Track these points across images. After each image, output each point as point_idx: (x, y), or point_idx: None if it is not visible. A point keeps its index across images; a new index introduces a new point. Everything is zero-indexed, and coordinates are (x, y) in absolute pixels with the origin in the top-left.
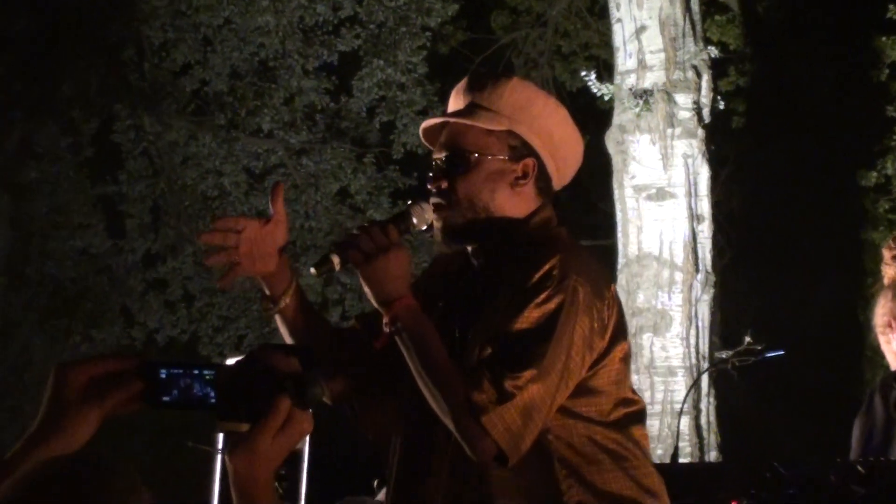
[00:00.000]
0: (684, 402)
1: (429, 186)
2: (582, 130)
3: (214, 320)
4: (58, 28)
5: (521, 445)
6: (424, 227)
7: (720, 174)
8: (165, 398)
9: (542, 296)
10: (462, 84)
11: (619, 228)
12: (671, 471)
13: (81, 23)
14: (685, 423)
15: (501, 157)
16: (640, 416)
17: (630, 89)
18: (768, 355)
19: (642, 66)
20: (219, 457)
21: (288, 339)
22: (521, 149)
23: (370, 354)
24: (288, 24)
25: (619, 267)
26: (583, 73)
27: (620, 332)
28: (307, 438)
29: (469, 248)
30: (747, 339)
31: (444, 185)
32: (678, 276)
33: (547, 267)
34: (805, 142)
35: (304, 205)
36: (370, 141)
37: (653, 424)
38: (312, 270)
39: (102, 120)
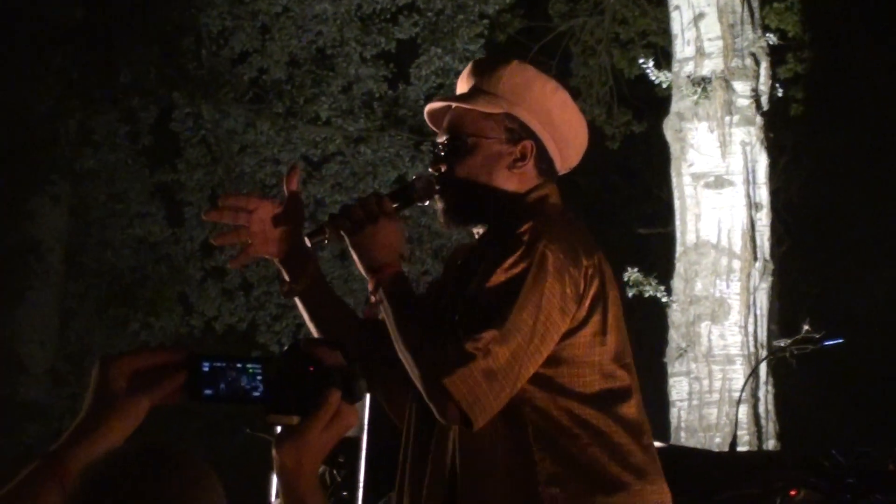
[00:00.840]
0: (742, 390)
1: (430, 170)
2: (640, 118)
3: (273, 308)
4: (115, 17)
5: (485, 408)
6: (427, 202)
7: (779, 162)
8: (207, 391)
9: (510, 260)
10: (467, 69)
11: (678, 216)
12: (730, 459)
13: (139, 12)
14: (743, 411)
15: (499, 139)
16: (625, 393)
17: (688, 77)
18: (827, 343)
19: (700, 53)
20: None
21: (308, 323)
22: (519, 131)
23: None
24: (346, 11)
25: (677, 255)
26: (641, 61)
27: (601, 301)
28: (366, 426)
29: (476, 231)
30: (805, 327)
31: (444, 168)
32: (736, 265)
33: (518, 232)
34: (864, 129)
35: (361, 193)
36: (428, 129)
37: (711, 413)
38: (306, 240)
39: (161, 108)
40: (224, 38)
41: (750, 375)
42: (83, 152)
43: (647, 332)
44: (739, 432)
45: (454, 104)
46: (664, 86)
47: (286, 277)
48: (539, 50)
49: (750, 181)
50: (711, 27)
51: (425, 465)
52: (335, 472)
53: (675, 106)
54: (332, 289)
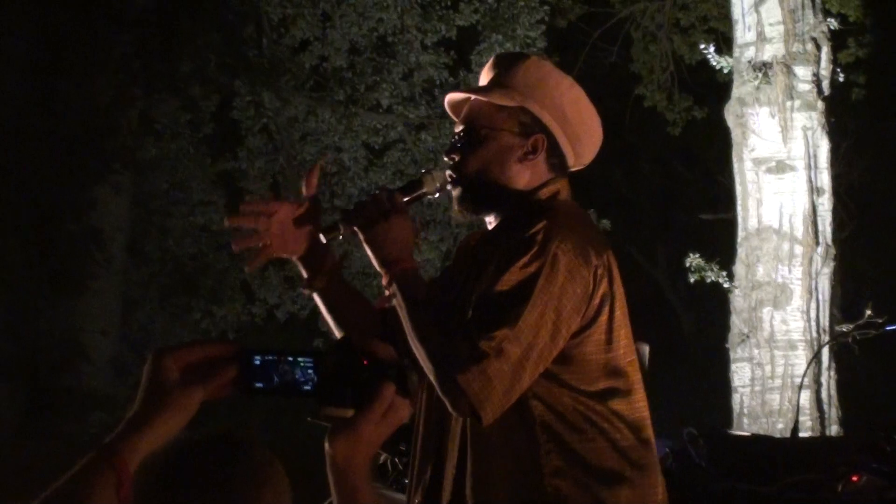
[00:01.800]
0: (804, 375)
1: (445, 159)
2: (701, 104)
3: None
4: (176, 6)
5: (495, 405)
6: (437, 194)
7: (840, 146)
8: (258, 385)
9: (523, 259)
10: (490, 62)
11: (739, 202)
12: (792, 445)
13: (200, 0)
14: (806, 397)
15: (511, 132)
16: (628, 390)
17: (749, 62)
18: (889, 328)
19: (761, 38)
20: None
21: (328, 319)
22: (531, 125)
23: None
24: None
25: (739, 240)
26: (702, 47)
27: (609, 301)
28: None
29: (488, 221)
30: (868, 312)
31: (457, 158)
32: (798, 250)
33: (531, 232)
34: None
35: None
36: None
37: (773, 399)
38: (321, 236)
39: (222, 97)
40: (285, 26)
41: (812, 360)
42: (145, 141)
43: (709, 318)
44: (802, 418)
45: (472, 96)
46: (725, 71)
47: (304, 275)
48: (600, 36)
49: (811, 166)
50: (772, 12)
51: (437, 453)
52: (397, 460)
53: (736, 91)
54: (350, 285)
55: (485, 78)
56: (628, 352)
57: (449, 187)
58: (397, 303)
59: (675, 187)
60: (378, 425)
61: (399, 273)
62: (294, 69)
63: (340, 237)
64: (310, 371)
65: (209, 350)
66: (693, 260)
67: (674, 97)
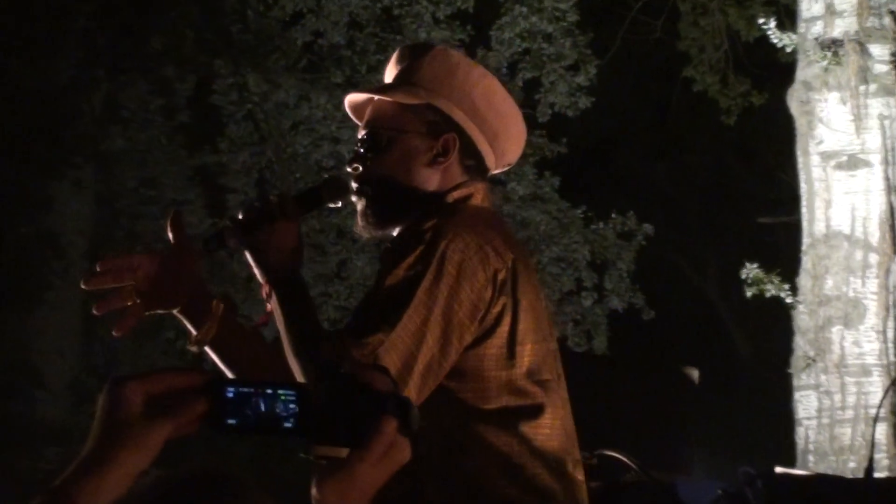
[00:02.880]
0: (880, 405)
1: (347, 169)
2: (760, 88)
3: (331, 311)
4: None
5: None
6: (339, 204)
7: None
8: (231, 421)
9: (409, 260)
10: (394, 56)
11: (804, 203)
12: (865, 487)
13: None
14: (881, 430)
15: (419, 133)
16: (535, 411)
17: (816, 39)
18: None
19: (830, 11)
20: None
21: (222, 368)
22: (440, 124)
23: None
24: None
25: (804, 248)
26: (761, 21)
27: (511, 310)
28: None
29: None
30: None
31: (360, 167)
32: (873, 259)
33: (420, 230)
34: None
35: None
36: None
37: (843, 432)
38: (201, 245)
39: (199, 79)
40: None
41: (889, 388)
42: (110, 130)
43: (769, 339)
44: (877, 455)
45: (375, 97)
46: (788, 50)
47: (191, 329)
48: (641, 8)
49: (889, 161)
50: None
51: None
52: None
53: (801, 73)
54: (241, 324)
55: (389, 75)
56: (539, 370)
57: (353, 199)
58: (276, 316)
59: (728, 186)
60: (375, 467)
61: (280, 282)
62: (284, 47)
63: (227, 247)
64: (291, 405)
65: (176, 380)
66: (750, 271)
67: (728, 80)
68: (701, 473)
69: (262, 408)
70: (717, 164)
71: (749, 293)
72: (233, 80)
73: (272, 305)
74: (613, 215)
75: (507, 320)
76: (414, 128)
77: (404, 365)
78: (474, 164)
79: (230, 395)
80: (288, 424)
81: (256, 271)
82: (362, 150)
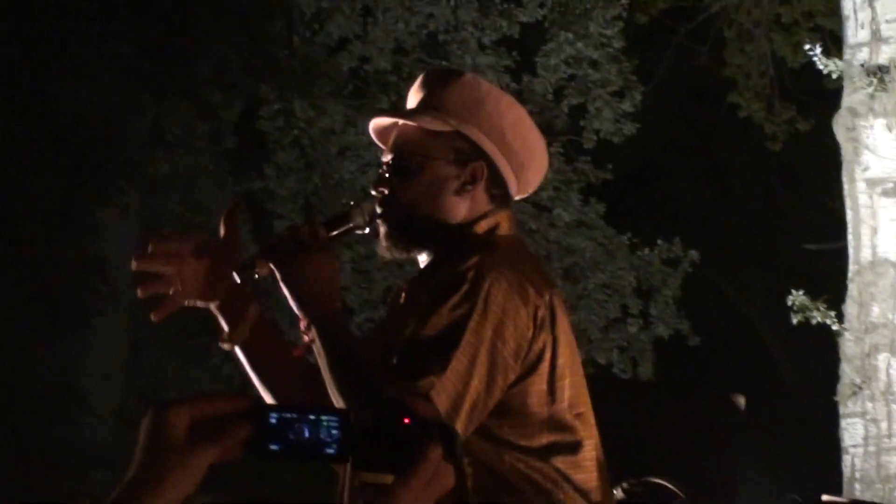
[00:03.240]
0: None
1: (372, 192)
2: (805, 114)
3: None
4: None
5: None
6: (367, 230)
7: None
8: (274, 446)
9: (453, 300)
10: (417, 82)
11: (850, 230)
12: None
13: None
14: None
15: (447, 160)
16: (575, 446)
17: (862, 65)
18: None
19: (876, 37)
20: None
21: (251, 375)
22: (469, 152)
23: None
24: None
25: (850, 275)
26: (806, 47)
27: (551, 346)
28: None
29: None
30: None
31: (386, 191)
32: None
33: (462, 269)
34: None
35: None
36: (557, 127)
37: (891, 461)
38: (234, 276)
39: (246, 104)
40: (319, 23)
41: None
42: (156, 156)
43: (815, 366)
44: None
45: (400, 121)
46: (834, 76)
47: (223, 326)
48: (687, 35)
49: None
50: (890, 6)
51: None
52: None
53: (847, 100)
54: (280, 334)
55: (413, 99)
56: (576, 403)
57: (378, 222)
58: (316, 349)
59: (774, 212)
60: (421, 493)
61: (318, 315)
62: (330, 72)
63: (256, 276)
64: (334, 431)
65: (219, 405)
66: (796, 298)
67: (774, 106)
68: (747, 500)
69: (305, 433)
70: (763, 191)
71: (795, 320)
72: (279, 105)
73: (311, 337)
74: (659, 242)
75: (547, 357)
76: (442, 154)
77: (453, 406)
78: (499, 193)
79: (273, 420)
80: (330, 450)
81: (293, 303)
82: (388, 175)
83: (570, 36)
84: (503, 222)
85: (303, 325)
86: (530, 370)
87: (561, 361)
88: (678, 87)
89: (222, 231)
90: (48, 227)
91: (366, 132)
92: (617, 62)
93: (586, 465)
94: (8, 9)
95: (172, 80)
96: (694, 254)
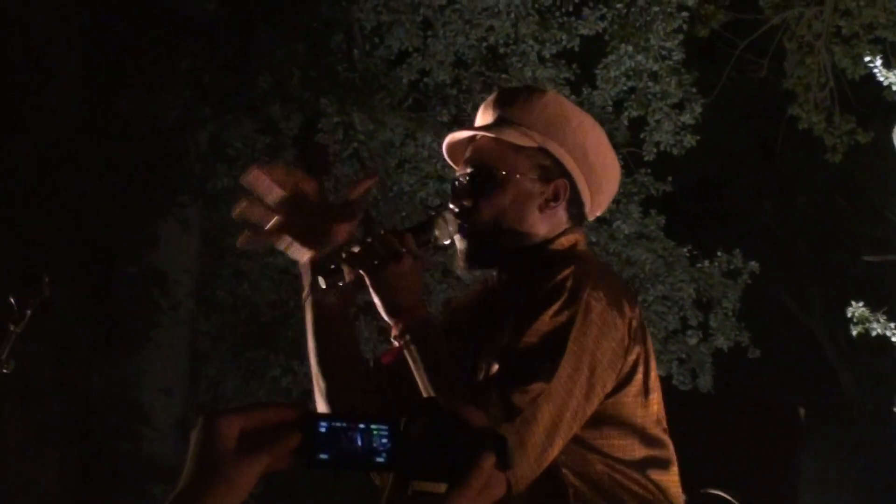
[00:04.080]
0: None
1: (451, 206)
2: (866, 126)
3: None
4: (252, 11)
5: (528, 472)
6: (447, 242)
7: None
8: (323, 456)
9: (553, 308)
10: (492, 97)
11: None
12: None
13: (281, 5)
14: None
15: (531, 176)
16: (666, 461)
17: None
18: None
19: None
20: None
21: (311, 353)
22: (553, 169)
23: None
24: (521, 4)
25: None
26: (867, 59)
27: (644, 357)
28: None
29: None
30: None
31: (469, 204)
32: None
33: (559, 279)
34: None
35: None
36: (617, 139)
37: None
38: (320, 279)
39: (305, 117)
40: (380, 36)
41: None
42: (216, 169)
43: (875, 377)
44: None
45: (480, 134)
46: (894, 88)
47: (306, 282)
48: (747, 47)
49: None
50: None
51: None
52: None
53: None
54: (353, 317)
55: (488, 115)
56: (662, 418)
57: (457, 236)
58: (410, 355)
59: (834, 223)
60: (474, 502)
61: (412, 323)
62: (390, 85)
63: (342, 283)
64: (385, 440)
65: (268, 415)
66: (856, 309)
67: (834, 118)
68: None
69: (355, 442)
70: (823, 202)
71: (855, 331)
72: (338, 118)
73: (403, 342)
74: (719, 253)
75: (640, 369)
76: (526, 170)
77: (558, 413)
78: (577, 213)
79: (323, 429)
80: (380, 459)
81: (383, 311)
82: (468, 188)
83: (630, 48)
84: (581, 241)
85: (394, 332)
86: (625, 382)
87: (652, 374)
88: (738, 99)
89: (350, 194)
90: (109, 241)
91: (425, 145)
92: (677, 74)
93: (675, 481)
94: (73, 20)
95: (233, 94)
96: (754, 265)
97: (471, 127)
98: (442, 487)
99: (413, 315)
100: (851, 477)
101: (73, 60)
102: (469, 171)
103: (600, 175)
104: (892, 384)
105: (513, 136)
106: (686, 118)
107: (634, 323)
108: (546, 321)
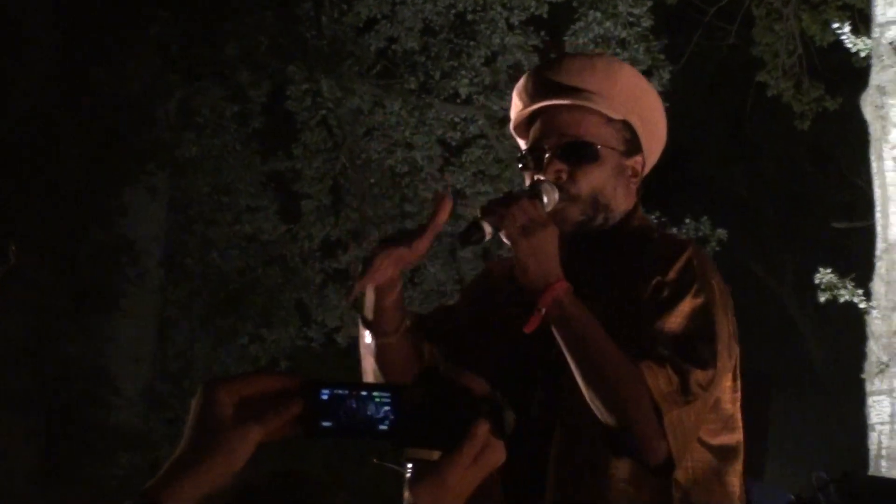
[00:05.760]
0: None
1: (539, 177)
2: (834, 93)
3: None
4: None
5: (686, 453)
6: (549, 210)
7: None
8: (325, 423)
9: (692, 290)
10: (555, 64)
11: (878, 208)
12: None
13: None
14: None
15: (620, 150)
16: (738, 449)
17: (891, 44)
18: None
19: None
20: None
21: (370, 378)
22: (634, 143)
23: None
24: None
25: (878, 253)
26: (835, 26)
27: (737, 343)
28: None
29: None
30: None
31: (565, 176)
32: None
33: (685, 259)
34: None
35: (508, 183)
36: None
37: None
38: (460, 242)
39: (274, 85)
40: (348, 3)
41: None
42: (184, 137)
43: (843, 344)
44: None
45: (567, 102)
46: (862, 54)
47: (373, 318)
48: (716, 14)
49: None
50: None
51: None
52: None
53: (875, 78)
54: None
55: (552, 84)
56: (740, 406)
57: (558, 203)
58: (563, 328)
59: (803, 191)
60: (468, 471)
61: (564, 293)
62: (358, 53)
63: (481, 240)
64: (386, 408)
65: (268, 382)
66: (824, 276)
67: (802, 85)
68: (774, 478)
69: (358, 410)
70: (792, 169)
71: (823, 298)
72: (307, 86)
73: (555, 313)
74: (687, 220)
75: (735, 352)
76: (617, 144)
77: (705, 399)
78: (641, 187)
79: (325, 397)
80: (383, 427)
81: (531, 279)
82: (564, 159)
83: (599, 15)
84: (647, 217)
85: (547, 301)
86: (729, 367)
87: (739, 361)
88: (707, 66)
89: (436, 219)
90: (77, 209)
91: (393, 113)
92: (645, 41)
93: (740, 471)
94: None
95: (201, 62)
96: (722, 232)
97: (561, 95)
98: (436, 455)
99: (563, 285)
100: (818, 441)
101: (41, 30)
102: (564, 142)
103: (657, 151)
104: (859, 351)
105: (603, 107)
106: (654, 85)
107: (734, 307)
108: (688, 303)
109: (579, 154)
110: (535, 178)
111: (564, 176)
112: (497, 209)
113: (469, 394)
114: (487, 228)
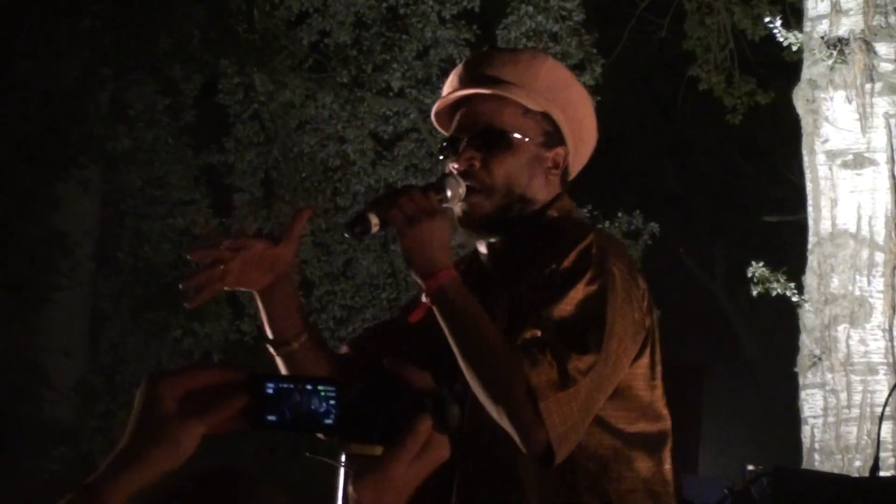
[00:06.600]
0: (886, 404)
1: (453, 166)
2: (765, 87)
3: (337, 311)
4: None
5: (571, 442)
6: (457, 204)
7: None
8: (271, 417)
9: (586, 277)
10: (482, 57)
11: (810, 202)
12: (871, 486)
13: None
14: (887, 429)
15: (538, 141)
16: (664, 436)
17: (822, 38)
18: None
19: (836, 10)
20: (342, 471)
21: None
22: (554, 135)
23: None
24: None
25: (810, 246)
26: (767, 20)
27: (653, 330)
28: None
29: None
30: None
31: (478, 164)
32: (879, 257)
33: (583, 246)
34: None
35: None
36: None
37: (849, 431)
38: (346, 232)
39: (205, 78)
40: None
41: (895, 387)
42: (116, 130)
43: (776, 338)
44: (883, 454)
45: (481, 92)
46: (794, 48)
47: (271, 328)
48: (647, 7)
49: (895, 160)
50: None
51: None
52: None
53: (807, 72)
54: (326, 342)
55: (482, 75)
56: (663, 394)
57: (460, 196)
58: (446, 316)
59: (734, 185)
60: (411, 466)
61: (448, 281)
62: (290, 46)
63: (368, 232)
64: (332, 402)
65: (213, 376)
66: (756, 269)
67: (734, 79)
68: (707, 471)
69: (302, 404)
70: (724, 163)
71: (755, 292)
72: (239, 79)
73: (435, 303)
74: (619, 214)
75: (650, 340)
76: (534, 135)
77: (598, 384)
78: (564, 180)
79: (270, 391)
80: (329, 421)
81: (416, 265)
82: (475, 147)
83: (531, 9)
84: (571, 209)
85: (429, 288)
86: (640, 353)
87: (658, 347)
88: (638, 60)
89: (291, 230)
90: (7, 202)
91: (325, 106)
92: (577, 35)
93: (668, 457)
94: None
95: (133, 55)
96: (654, 226)
97: (481, 84)
98: (378, 450)
99: (447, 274)
100: (751, 434)
101: None
102: (479, 129)
103: (587, 147)
104: (791, 344)
105: (522, 98)
106: (586, 79)
107: (646, 295)
108: (580, 290)
109: (492, 142)
110: (451, 166)
111: (477, 164)
112: (385, 201)
113: (413, 389)
114: (374, 220)
